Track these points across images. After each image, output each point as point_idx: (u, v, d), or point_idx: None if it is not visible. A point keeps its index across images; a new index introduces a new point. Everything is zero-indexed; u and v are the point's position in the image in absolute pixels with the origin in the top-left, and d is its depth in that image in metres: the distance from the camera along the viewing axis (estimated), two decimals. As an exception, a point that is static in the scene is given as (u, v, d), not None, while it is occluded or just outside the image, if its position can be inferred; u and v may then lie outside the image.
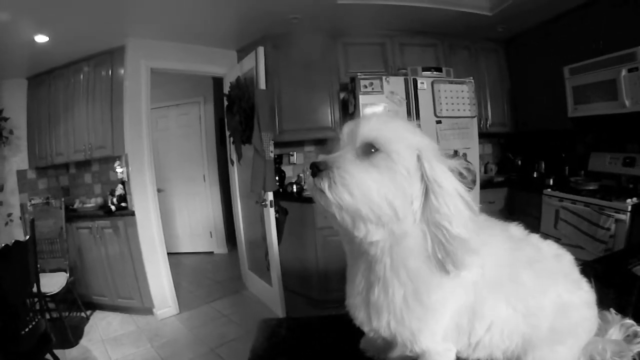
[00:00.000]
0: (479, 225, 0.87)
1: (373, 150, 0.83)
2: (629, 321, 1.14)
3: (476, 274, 0.90)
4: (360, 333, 1.19)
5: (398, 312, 0.89)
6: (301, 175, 5.18)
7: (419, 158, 0.84)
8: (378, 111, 1.04)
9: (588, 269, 1.09)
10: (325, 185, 0.79)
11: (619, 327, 1.14)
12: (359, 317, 0.99)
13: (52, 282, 4.03)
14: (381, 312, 0.91)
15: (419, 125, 0.96)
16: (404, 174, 0.82)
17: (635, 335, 1.12)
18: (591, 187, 4.10)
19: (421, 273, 0.87)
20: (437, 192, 0.82)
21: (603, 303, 1.11)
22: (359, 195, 0.78)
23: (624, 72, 3.61)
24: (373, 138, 0.84)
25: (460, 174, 0.87)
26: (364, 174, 0.80)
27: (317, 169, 0.82)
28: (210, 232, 7.30)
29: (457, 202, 0.82)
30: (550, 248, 1.08)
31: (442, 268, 0.84)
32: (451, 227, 0.81)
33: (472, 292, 0.92)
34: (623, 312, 1.19)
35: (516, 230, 1.08)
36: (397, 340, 0.93)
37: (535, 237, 1.09)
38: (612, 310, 1.18)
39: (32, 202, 4.96)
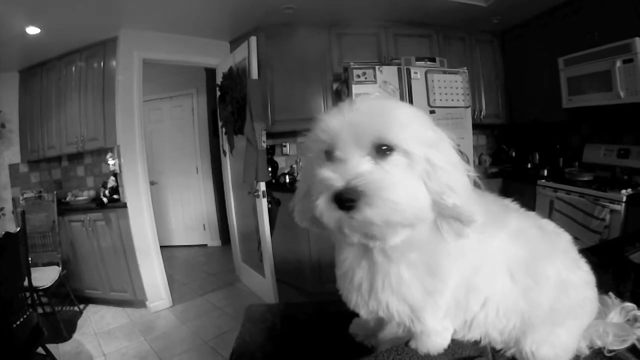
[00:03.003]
0: (477, 195, 0.83)
1: (385, 148, 0.75)
2: (629, 305, 1.13)
3: (476, 241, 0.87)
4: (349, 319, 1.17)
5: (402, 289, 0.85)
6: (294, 166, 5.15)
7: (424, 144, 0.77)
8: (371, 98, 0.87)
9: (584, 256, 1.07)
10: (372, 214, 0.69)
11: (619, 310, 1.12)
12: (354, 299, 0.94)
13: (45, 276, 4.00)
14: (383, 292, 0.87)
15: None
16: (420, 164, 0.76)
17: (635, 319, 1.10)
18: (586, 178, 4.09)
19: (425, 245, 0.84)
20: (430, 171, 0.77)
21: (601, 288, 1.09)
22: (403, 207, 0.71)
23: (619, 63, 3.60)
24: (385, 138, 0.75)
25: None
26: (394, 183, 0.72)
27: (350, 200, 0.69)
28: (204, 225, 7.29)
29: (452, 173, 0.78)
30: (548, 225, 1.06)
31: (445, 236, 0.81)
32: (448, 199, 0.77)
33: (472, 260, 0.89)
34: (621, 298, 1.18)
35: (512, 204, 1.06)
36: (396, 319, 0.89)
37: (532, 213, 1.07)
38: (611, 294, 1.16)
39: (25, 195, 4.93)
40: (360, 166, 0.73)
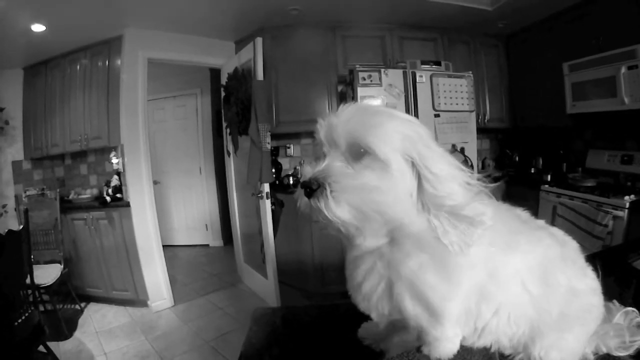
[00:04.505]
0: (485, 205, 0.84)
1: (362, 150, 0.79)
2: (632, 311, 1.13)
3: (486, 251, 0.87)
4: (357, 322, 1.17)
5: (413, 294, 0.85)
6: (297, 167, 5.16)
7: (407, 148, 0.80)
8: (354, 105, 0.91)
9: (590, 262, 1.07)
10: (322, 205, 0.76)
11: (623, 317, 1.12)
12: (365, 302, 0.94)
13: (47, 274, 4.00)
14: (393, 296, 0.87)
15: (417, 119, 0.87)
16: (398, 169, 0.78)
17: (639, 326, 1.10)
18: (589, 184, 4.09)
19: (435, 253, 0.84)
20: (429, 178, 0.79)
21: (605, 295, 1.09)
22: (359, 204, 0.76)
23: (623, 70, 3.61)
24: (357, 139, 0.79)
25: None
26: (359, 181, 0.77)
27: (310, 189, 0.78)
28: (206, 225, 7.30)
29: (452, 184, 0.79)
30: (557, 232, 1.06)
31: (453, 248, 0.81)
32: (450, 206, 0.79)
33: (483, 269, 0.88)
34: (623, 304, 1.17)
35: (522, 212, 1.06)
36: (408, 324, 0.90)
37: (541, 221, 1.07)
38: (615, 301, 1.16)
39: (27, 193, 4.92)
40: (330, 163, 0.81)
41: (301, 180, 0.80)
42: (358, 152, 0.79)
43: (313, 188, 0.77)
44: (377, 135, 0.78)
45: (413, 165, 0.80)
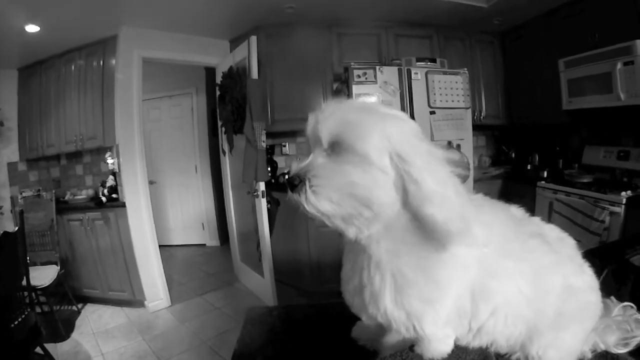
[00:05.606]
0: (479, 204, 0.84)
1: (343, 146, 0.80)
2: (630, 308, 1.12)
3: (479, 251, 0.87)
4: (351, 322, 1.16)
5: (399, 295, 0.85)
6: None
7: (387, 145, 0.79)
8: (338, 101, 0.92)
9: (587, 259, 1.07)
10: (302, 198, 0.78)
11: (621, 311, 1.12)
12: (356, 304, 0.96)
13: (43, 275, 3.99)
14: (381, 297, 0.87)
15: (413, 116, 0.87)
16: (379, 164, 0.78)
17: (637, 322, 1.09)
18: (585, 180, 4.10)
19: (422, 251, 0.84)
20: (407, 178, 0.78)
21: (603, 292, 1.09)
22: (339, 199, 0.77)
23: (619, 66, 3.60)
24: (337, 136, 0.80)
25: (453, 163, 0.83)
26: (338, 176, 0.78)
27: (292, 185, 0.81)
28: (202, 224, 7.28)
29: (434, 186, 0.77)
30: (553, 231, 1.06)
31: (438, 246, 0.81)
32: (433, 214, 0.77)
33: (476, 271, 0.88)
34: (621, 300, 1.17)
35: (517, 210, 1.06)
36: (393, 326, 0.89)
37: (537, 219, 1.07)
38: (613, 298, 1.16)
39: (23, 194, 4.91)
40: (313, 159, 0.83)
41: (287, 176, 0.82)
42: (339, 148, 0.80)
43: (294, 183, 0.80)
44: (356, 132, 0.79)
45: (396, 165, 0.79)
